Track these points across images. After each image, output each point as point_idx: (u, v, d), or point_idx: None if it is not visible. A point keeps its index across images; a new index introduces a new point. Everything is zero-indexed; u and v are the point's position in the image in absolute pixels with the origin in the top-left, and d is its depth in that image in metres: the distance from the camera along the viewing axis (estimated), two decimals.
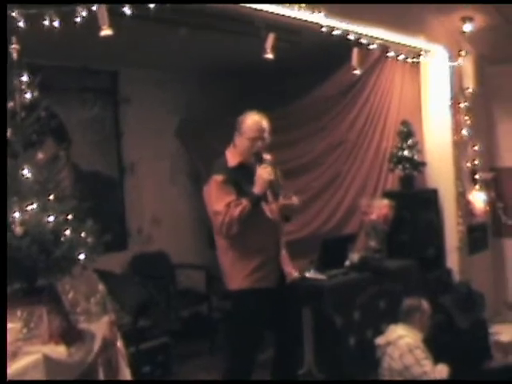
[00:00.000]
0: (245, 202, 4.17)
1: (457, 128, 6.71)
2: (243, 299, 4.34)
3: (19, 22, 3.53)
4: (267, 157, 4.38)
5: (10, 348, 2.83)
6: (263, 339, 4.49)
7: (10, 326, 2.90)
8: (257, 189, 4.23)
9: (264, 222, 4.33)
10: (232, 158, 4.38)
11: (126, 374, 3.57)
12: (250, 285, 4.30)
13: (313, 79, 6.74)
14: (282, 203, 4.36)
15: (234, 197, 4.20)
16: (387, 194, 6.32)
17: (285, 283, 4.45)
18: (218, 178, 4.26)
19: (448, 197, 6.66)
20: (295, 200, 4.37)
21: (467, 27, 6.31)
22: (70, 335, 3.12)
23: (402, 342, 4.54)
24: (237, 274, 4.33)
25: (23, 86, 3.16)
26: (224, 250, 4.40)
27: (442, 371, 4.54)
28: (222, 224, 4.18)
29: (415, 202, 6.38)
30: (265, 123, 4.38)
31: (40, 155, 3.17)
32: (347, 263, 5.62)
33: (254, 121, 4.36)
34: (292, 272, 4.55)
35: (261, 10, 4.69)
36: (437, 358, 4.58)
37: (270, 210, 4.37)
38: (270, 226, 4.37)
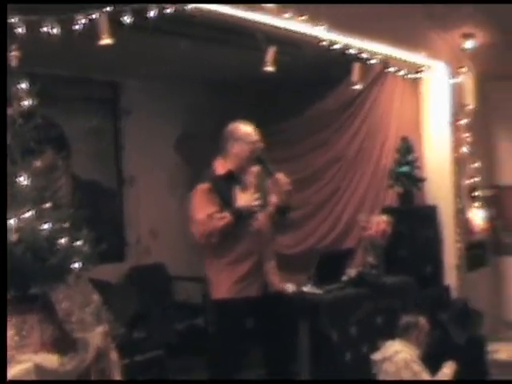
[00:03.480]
0: (228, 216, 4.17)
1: (457, 145, 6.72)
2: (228, 309, 4.32)
3: (19, 28, 3.52)
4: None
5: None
6: (248, 349, 4.46)
7: None
8: (242, 205, 4.22)
9: (250, 231, 4.32)
10: (221, 166, 4.41)
11: None
12: (235, 294, 4.30)
13: (313, 93, 6.75)
14: (274, 203, 4.40)
15: (218, 207, 4.21)
16: (386, 210, 6.29)
17: (269, 294, 4.43)
18: (204, 186, 4.29)
19: (447, 213, 6.64)
20: (285, 183, 4.36)
21: (468, 44, 6.33)
22: (62, 344, 3.10)
23: (398, 357, 4.51)
24: (221, 284, 4.33)
25: (21, 94, 3.15)
26: (209, 259, 4.40)
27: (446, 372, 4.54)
28: (202, 233, 4.19)
29: (414, 219, 6.37)
30: (251, 131, 4.46)
31: (38, 163, 3.17)
32: (344, 278, 5.59)
33: (247, 127, 4.44)
34: (278, 283, 4.54)
35: (262, 23, 4.70)
36: (432, 375, 4.55)
37: (255, 219, 4.37)
38: (256, 235, 4.36)
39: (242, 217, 4.24)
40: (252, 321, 4.40)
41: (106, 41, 3.93)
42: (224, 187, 4.30)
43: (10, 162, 3.05)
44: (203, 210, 4.20)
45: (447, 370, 4.59)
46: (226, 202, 4.25)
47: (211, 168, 4.43)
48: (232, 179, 4.37)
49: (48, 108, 3.32)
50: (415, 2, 5.74)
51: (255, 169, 4.51)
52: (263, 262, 4.42)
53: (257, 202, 4.27)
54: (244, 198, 4.27)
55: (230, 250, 4.29)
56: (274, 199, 4.46)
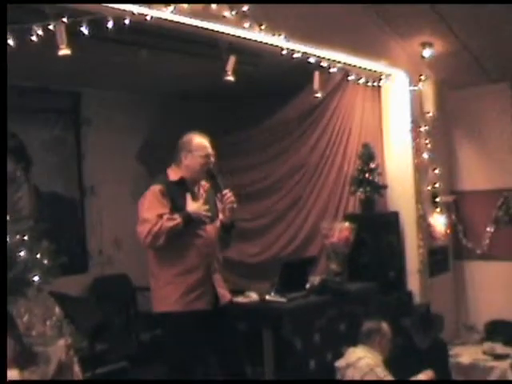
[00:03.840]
0: (178, 219, 4.16)
1: (417, 151, 6.77)
2: (174, 322, 4.27)
3: None
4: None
5: None
6: (201, 363, 4.45)
7: None
8: (191, 209, 4.22)
9: (196, 242, 4.30)
10: (173, 174, 4.41)
11: None
12: (181, 308, 4.25)
13: (275, 102, 6.77)
14: (221, 219, 4.42)
15: (168, 210, 4.19)
16: (348, 217, 6.34)
17: (219, 305, 4.41)
18: (156, 187, 4.27)
19: (409, 220, 6.70)
20: (230, 200, 4.36)
21: (427, 52, 6.39)
22: (23, 359, 3.07)
23: (362, 362, 4.54)
24: (167, 297, 4.27)
25: None
26: (155, 271, 4.36)
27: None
28: (148, 233, 4.11)
29: (376, 225, 6.41)
30: (208, 144, 4.45)
31: None
32: (308, 286, 5.61)
33: (201, 140, 4.43)
34: (226, 294, 4.52)
35: (222, 33, 4.70)
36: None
37: (204, 230, 4.36)
38: (202, 245, 4.33)
39: (191, 222, 4.22)
40: (202, 333, 4.34)
41: (65, 51, 3.89)
42: (176, 192, 4.29)
43: None
44: (153, 210, 4.17)
45: (423, 377, 4.61)
46: (176, 206, 4.23)
47: (163, 174, 4.42)
48: (184, 186, 4.37)
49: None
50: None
51: (206, 183, 4.51)
52: (211, 275, 4.39)
53: (205, 213, 4.27)
54: (194, 206, 4.26)
55: (177, 262, 4.25)
56: (220, 215, 4.47)
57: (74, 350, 3.53)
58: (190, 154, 4.38)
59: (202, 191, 4.47)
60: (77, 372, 3.52)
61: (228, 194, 4.35)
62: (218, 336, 4.45)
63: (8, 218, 3.13)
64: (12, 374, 2.94)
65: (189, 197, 4.29)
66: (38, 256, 3.19)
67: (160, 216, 4.13)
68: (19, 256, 3.09)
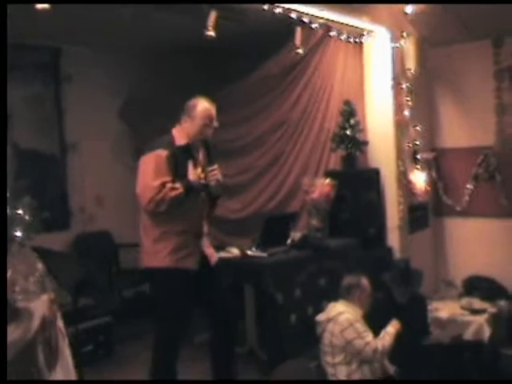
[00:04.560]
0: (181, 188, 4.20)
1: (398, 108, 6.79)
2: (164, 278, 4.36)
3: None
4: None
5: None
6: (188, 321, 4.50)
7: None
8: (192, 178, 4.25)
9: (191, 206, 4.34)
10: (179, 137, 4.40)
11: (67, 353, 3.53)
12: (171, 264, 4.32)
13: (256, 58, 6.74)
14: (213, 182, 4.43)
15: (171, 178, 4.22)
16: (329, 174, 6.37)
17: (208, 265, 4.50)
18: (163, 153, 4.26)
19: (389, 176, 6.74)
20: (217, 174, 4.40)
21: (409, 9, 6.36)
22: (7, 314, 3.08)
23: (342, 317, 4.60)
24: (157, 253, 4.34)
25: None
26: (147, 227, 4.41)
27: (391, 330, 4.65)
28: (150, 200, 4.17)
29: (357, 182, 6.45)
30: (214, 111, 4.46)
31: None
32: (289, 241, 5.66)
33: (205, 108, 4.42)
34: (213, 255, 4.61)
35: None
36: (377, 334, 4.66)
37: (199, 196, 4.42)
38: (194, 208, 4.40)
39: (192, 191, 4.27)
40: (192, 292, 4.41)
41: (44, 5, 3.85)
42: (180, 158, 4.29)
43: None
44: (158, 177, 4.19)
45: (392, 328, 4.70)
46: (179, 172, 4.26)
47: (169, 136, 4.41)
48: (188, 152, 4.38)
49: None
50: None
51: (203, 150, 4.52)
52: (200, 237, 4.48)
53: (203, 182, 4.32)
54: (194, 174, 4.28)
55: (169, 222, 4.31)
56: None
57: (58, 306, 3.55)
58: (191, 120, 4.40)
59: (200, 157, 4.49)
60: (60, 327, 3.54)
61: (215, 170, 4.37)
62: (206, 292, 4.53)
63: None
64: None
65: (191, 164, 4.29)
66: (20, 212, 3.19)
67: (163, 184, 4.17)
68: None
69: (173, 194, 4.17)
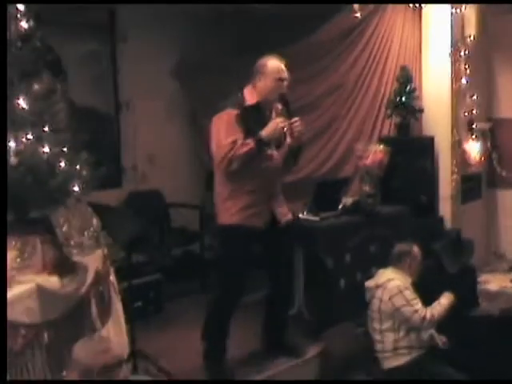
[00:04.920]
0: (251, 143, 4.25)
1: (456, 76, 6.68)
2: (230, 234, 4.47)
3: None
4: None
5: None
6: (249, 276, 4.58)
7: None
8: (265, 133, 4.31)
9: (262, 165, 4.40)
10: (250, 96, 4.45)
11: (118, 307, 3.61)
12: (238, 221, 4.41)
13: (314, 21, 6.66)
14: (287, 144, 4.51)
15: (242, 135, 4.27)
16: (383, 140, 6.32)
17: (276, 225, 4.55)
18: (233, 112, 4.34)
19: (444, 145, 6.67)
20: (299, 126, 4.42)
21: None
22: (63, 266, 3.15)
23: (391, 284, 4.60)
24: (227, 210, 4.45)
25: (19, 15, 3.10)
26: (219, 185, 4.50)
27: (443, 302, 4.62)
28: (223, 158, 4.26)
29: (411, 149, 6.40)
30: (284, 67, 4.49)
31: (36, 86, 3.14)
32: (340, 206, 5.64)
33: (276, 63, 4.47)
34: (286, 214, 4.65)
35: None
36: (425, 303, 4.63)
37: (271, 155, 4.46)
38: (267, 169, 4.45)
39: (264, 146, 4.34)
40: (258, 249, 4.55)
41: None
42: (250, 117, 4.35)
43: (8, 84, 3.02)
44: (230, 135, 4.26)
45: (444, 301, 4.67)
46: (250, 131, 4.31)
47: (240, 95, 4.47)
48: (259, 111, 4.44)
49: (44, 32, 3.26)
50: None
51: (279, 106, 4.53)
52: (271, 196, 4.54)
53: (282, 125, 4.35)
54: (274, 123, 4.35)
55: (240, 180, 4.38)
56: (288, 140, 4.54)
57: (111, 261, 3.61)
58: (264, 77, 4.43)
59: (274, 115, 4.51)
60: (113, 282, 3.60)
61: (297, 121, 4.40)
62: (271, 253, 4.64)
63: (47, 129, 3.16)
64: (53, 280, 3.02)
65: (261, 123, 4.37)
66: (78, 167, 3.23)
67: (235, 141, 4.23)
68: (59, 166, 3.12)
69: (244, 149, 4.23)
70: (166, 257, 6.32)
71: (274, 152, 4.48)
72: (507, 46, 7.18)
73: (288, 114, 4.49)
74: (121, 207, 6.52)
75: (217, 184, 4.53)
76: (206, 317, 4.64)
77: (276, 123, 4.34)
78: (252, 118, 4.35)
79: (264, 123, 4.37)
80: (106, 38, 6.96)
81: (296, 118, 4.41)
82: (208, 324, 4.61)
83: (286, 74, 4.46)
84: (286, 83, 4.46)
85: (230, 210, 4.42)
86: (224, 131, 4.29)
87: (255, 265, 4.57)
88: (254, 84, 4.48)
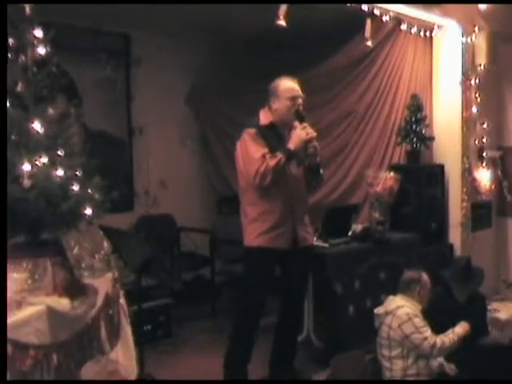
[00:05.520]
0: (280, 155, 4.33)
1: (467, 105, 6.71)
2: (254, 256, 4.53)
3: None
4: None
5: (14, 297, 2.89)
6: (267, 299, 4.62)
7: (15, 276, 2.96)
8: (292, 145, 4.39)
9: (288, 184, 4.50)
10: (264, 117, 4.58)
11: (128, 331, 3.63)
12: (263, 243, 4.48)
13: (326, 49, 6.72)
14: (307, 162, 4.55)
15: (267, 150, 4.37)
16: (393, 167, 6.34)
17: (297, 247, 4.61)
18: (251, 130, 4.45)
19: (454, 173, 6.67)
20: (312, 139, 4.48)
21: (482, 4, 6.27)
22: (73, 289, 3.18)
23: (401, 311, 4.58)
24: (252, 233, 4.52)
25: (35, 41, 3.16)
26: (249, 206, 4.56)
27: (458, 331, 4.62)
28: (257, 172, 4.32)
29: (421, 177, 6.40)
30: (297, 86, 4.61)
31: (50, 110, 3.19)
32: (350, 233, 5.66)
33: (288, 83, 4.59)
34: (306, 238, 4.72)
35: None
36: (434, 331, 4.62)
37: (292, 173, 4.55)
38: (289, 188, 4.52)
39: (293, 157, 4.42)
40: (278, 270, 4.64)
41: None
42: (268, 135, 4.47)
43: (22, 108, 3.08)
44: (257, 150, 4.36)
45: (459, 329, 4.64)
46: (271, 148, 4.40)
47: (255, 117, 4.60)
48: (275, 130, 4.55)
49: (59, 57, 3.32)
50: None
51: (298, 124, 4.58)
52: (295, 217, 4.59)
53: (311, 132, 4.43)
54: (293, 138, 4.41)
55: (263, 201, 4.47)
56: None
57: (121, 284, 3.64)
58: (277, 99, 4.54)
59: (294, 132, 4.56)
60: (123, 305, 3.63)
61: (307, 129, 4.45)
62: (289, 276, 4.72)
63: (61, 153, 3.20)
64: (63, 302, 3.05)
65: (281, 140, 4.48)
66: (90, 191, 3.28)
67: (263, 156, 4.32)
68: (72, 190, 3.16)
69: (274, 162, 4.30)
70: (177, 281, 6.35)
71: (294, 169, 4.55)
72: None
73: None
74: (132, 231, 6.57)
75: (246, 205, 4.59)
76: (229, 344, 4.67)
77: (299, 133, 4.40)
78: (269, 136, 4.46)
79: (283, 142, 4.46)
80: (120, 62, 7.06)
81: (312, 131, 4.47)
82: (232, 351, 4.65)
83: (299, 93, 4.56)
84: (300, 101, 4.55)
85: (255, 232, 4.50)
86: (251, 147, 4.39)
87: (274, 287, 4.61)
88: (269, 106, 4.58)
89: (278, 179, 4.37)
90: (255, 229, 4.50)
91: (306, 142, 4.42)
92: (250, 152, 4.39)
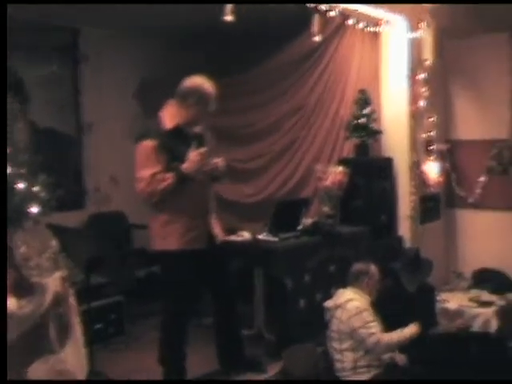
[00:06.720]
0: (170, 178, 4.20)
1: (414, 99, 6.79)
2: (173, 260, 4.42)
3: None
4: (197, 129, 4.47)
5: None
6: (196, 300, 4.59)
7: None
8: (186, 168, 4.24)
9: (191, 187, 4.34)
10: (169, 120, 4.37)
11: (78, 329, 3.60)
12: (180, 246, 4.39)
13: (273, 45, 6.75)
14: (208, 168, 4.41)
15: (162, 166, 4.21)
16: (342, 161, 6.39)
17: (214, 245, 4.57)
18: (150, 143, 4.24)
19: (402, 166, 6.75)
20: (220, 163, 4.44)
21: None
22: (20, 288, 3.14)
23: (350, 304, 4.62)
24: (166, 237, 4.40)
25: None
26: (154, 212, 4.45)
27: (406, 331, 4.66)
28: (142, 191, 4.24)
29: (370, 170, 6.46)
30: (209, 88, 4.40)
31: None
32: (300, 227, 5.69)
33: (199, 82, 4.41)
34: (220, 234, 4.67)
35: None
36: (384, 322, 4.68)
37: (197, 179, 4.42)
38: (196, 190, 4.41)
39: (185, 179, 4.27)
40: (199, 271, 4.50)
41: None
42: (171, 142, 4.27)
43: None
44: (147, 168, 4.21)
45: (408, 330, 4.66)
46: (173, 156, 4.26)
47: (156, 121, 4.39)
48: (180, 134, 4.36)
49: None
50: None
51: (200, 129, 4.52)
52: (205, 216, 4.55)
53: (200, 158, 4.27)
54: (189, 161, 4.26)
55: (174, 206, 4.35)
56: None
57: (70, 283, 3.60)
58: (184, 100, 4.38)
59: (197, 136, 4.48)
60: (72, 304, 3.60)
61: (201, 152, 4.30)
62: (212, 273, 4.62)
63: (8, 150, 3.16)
64: (10, 302, 3.01)
65: (184, 146, 4.30)
66: (36, 188, 3.24)
67: (153, 175, 4.18)
68: (17, 188, 3.12)
69: (162, 185, 4.20)
70: (128, 278, 6.31)
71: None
72: (462, 70, 7.34)
73: (205, 142, 4.47)
74: (81, 229, 6.50)
75: (152, 209, 4.46)
76: (160, 340, 4.58)
77: (193, 159, 4.25)
78: (173, 143, 4.27)
79: (188, 144, 4.30)
80: (68, 59, 6.98)
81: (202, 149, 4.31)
82: (164, 347, 4.57)
83: (208, 98, 4.38)
84: (210, 102, 4.39)
85: (169, 237, 4.38)
86: (142, 163, 4.24)
87: (199, 284, 4.57)
88: (175, 107, 4.41)
89: (169, 195, 4.25)
90: (169, 233, 4.38)
91: (202, 166, 4.29)
92: (139, 168, 4.25)
